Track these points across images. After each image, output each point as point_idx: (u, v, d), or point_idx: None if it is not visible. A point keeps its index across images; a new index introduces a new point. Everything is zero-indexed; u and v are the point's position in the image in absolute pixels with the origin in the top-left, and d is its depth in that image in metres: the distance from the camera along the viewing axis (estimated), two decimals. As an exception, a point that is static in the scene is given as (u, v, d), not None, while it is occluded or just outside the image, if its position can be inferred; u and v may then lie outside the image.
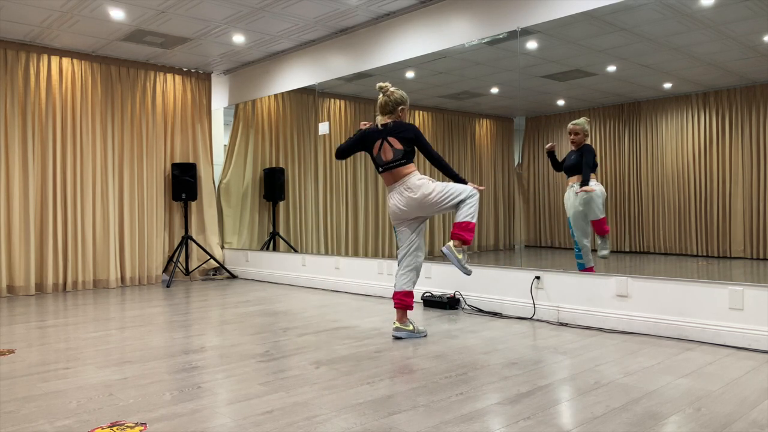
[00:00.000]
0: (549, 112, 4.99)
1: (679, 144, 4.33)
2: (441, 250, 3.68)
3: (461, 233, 3.63)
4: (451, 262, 3.71)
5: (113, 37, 6.02)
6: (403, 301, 3.77)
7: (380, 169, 3.79)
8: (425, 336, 3.82)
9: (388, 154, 3.71)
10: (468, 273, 3.71)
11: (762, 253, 3.97)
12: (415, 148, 3.77)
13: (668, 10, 3.87)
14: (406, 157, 3.70)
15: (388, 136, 3.71)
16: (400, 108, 3.76)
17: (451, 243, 3.66)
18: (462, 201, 3.68)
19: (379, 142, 3.75)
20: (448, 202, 3.67)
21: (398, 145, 3.68)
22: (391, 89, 3.77)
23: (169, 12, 5.35)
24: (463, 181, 3.76)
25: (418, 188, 3.67)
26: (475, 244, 5.68)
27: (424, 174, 3.77)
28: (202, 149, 7.42)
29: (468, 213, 3.65)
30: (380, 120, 3.80)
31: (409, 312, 4.20)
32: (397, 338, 3.76)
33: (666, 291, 3.75)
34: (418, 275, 3.85)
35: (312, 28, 5.91)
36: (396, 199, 3.75)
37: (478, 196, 3.71)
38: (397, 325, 3.78)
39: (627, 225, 4.63)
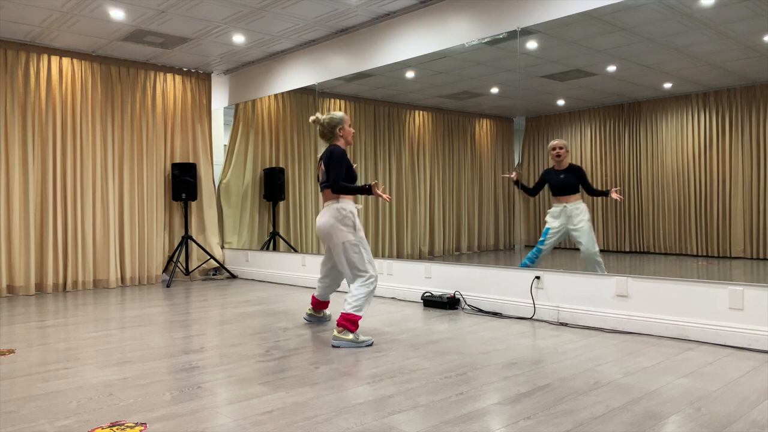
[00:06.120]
0: (549, 112, 4.98)
1: (679, 144, 4.33)
2: (333, 345, 3.58)
3: (346, 324, 3.58)
4: (347, 347, 3.57)
5: (113, 37, 6.02)
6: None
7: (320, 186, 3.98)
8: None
9: (321, 176, 3.90)
10: (370, 343, 3.62)
11: (762, 253, 3.96)
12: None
13: (668, 10, 3.87)
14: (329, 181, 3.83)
15: (321, 160, 3.89)
16: (338, 129, 3.88)
17: (335, 332, 3.59)
18: (360, 277, 3.70)
19: (319, 163, 3.96)
20: (348, 268, 3.74)
21: (324, 169, 3.87)
22: (321, 118, 3.92)
23: (169, 12, 5.35)
24: (367, 191, 3.73)
25: (338, 218, 3.73)
26: (476, 244, 5.68)
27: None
28: (202, 149, 7.42)
29: (357, 305, 3.63)
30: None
31: (407, 310, 4.18)
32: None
33: (666, 291, 3.75)
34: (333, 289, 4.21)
35: (312, 28, 5.91)
36: (321, 217, 3.86)
37: (375, 285, 3.72)
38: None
39: (627, 225, 4.63)
